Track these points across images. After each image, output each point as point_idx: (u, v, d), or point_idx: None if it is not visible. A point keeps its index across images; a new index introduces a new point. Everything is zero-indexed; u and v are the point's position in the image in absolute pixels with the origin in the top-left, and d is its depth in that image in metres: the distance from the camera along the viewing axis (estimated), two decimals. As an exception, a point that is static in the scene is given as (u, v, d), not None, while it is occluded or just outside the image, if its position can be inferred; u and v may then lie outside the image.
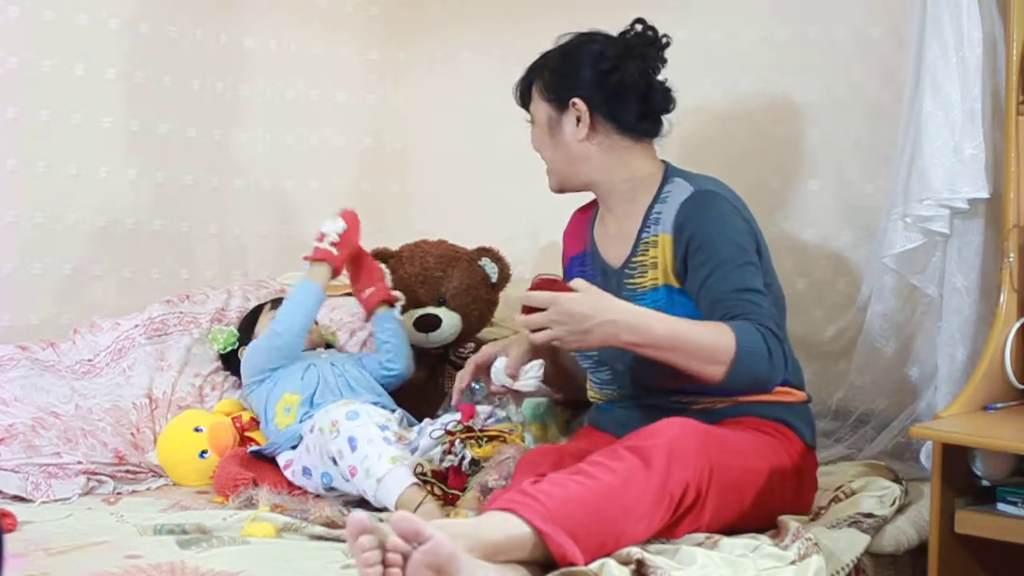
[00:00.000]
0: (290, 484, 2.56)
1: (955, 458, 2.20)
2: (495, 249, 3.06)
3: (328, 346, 3.01)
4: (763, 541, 2.07)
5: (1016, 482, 2.22)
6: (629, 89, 2.35)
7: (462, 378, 2.57)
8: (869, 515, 2.24)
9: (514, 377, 2.45)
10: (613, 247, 2.41)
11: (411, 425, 2.69)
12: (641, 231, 2.35)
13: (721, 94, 3.01)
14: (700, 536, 2.07)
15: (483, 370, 2.54)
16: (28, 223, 3.05)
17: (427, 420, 2.70)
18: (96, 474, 2.63)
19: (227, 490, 2.53)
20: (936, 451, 2.18)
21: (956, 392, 2.35)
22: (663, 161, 2.42)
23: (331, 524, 2.32)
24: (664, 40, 2.39)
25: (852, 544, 2.16)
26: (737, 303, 2.19)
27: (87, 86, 3.11)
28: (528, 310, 2.17)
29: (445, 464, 2.47)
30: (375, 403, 2.68)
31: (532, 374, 2.45)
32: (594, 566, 1.87)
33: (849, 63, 2.83)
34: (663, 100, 2.39)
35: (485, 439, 2.50)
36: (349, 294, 3.22)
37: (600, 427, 2.43)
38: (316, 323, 2.90)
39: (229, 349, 2.96)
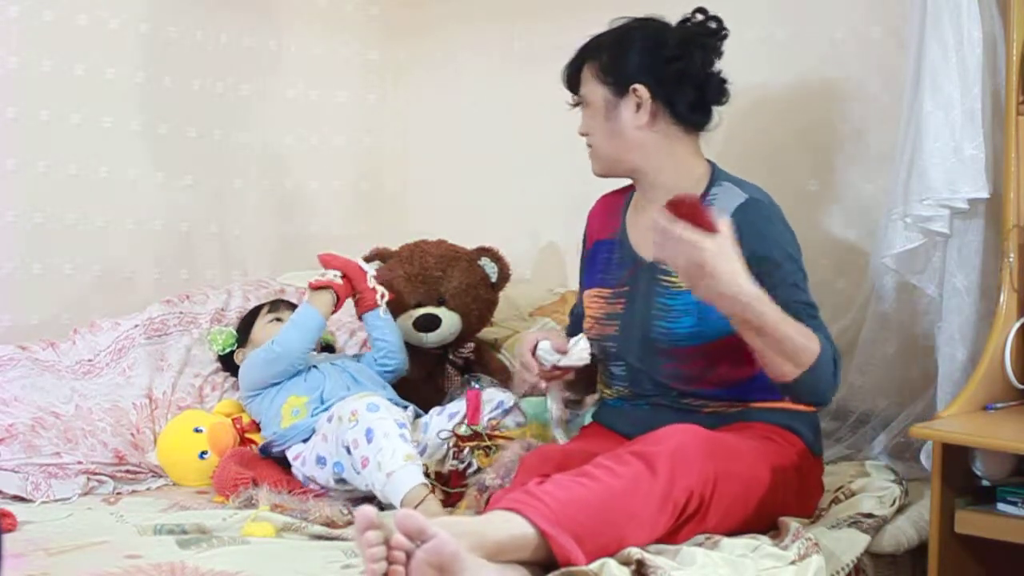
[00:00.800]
0: (290, 483, 2.56)
1: (955, 458, 2.20)
2: (495, 249, 3.06)
3: (327, 346, 3.01)
4: (763, 541, 2.07)
5: (1016, 482, 2.22)
6: (689, 78, 2.33)
7: (528, 367, 2.39)
8: (869, 515, 2.24)
9: (564, 352, 2.36)
10: (649, 241, 2.29)
11: (418, 418, 2.70)
12: None
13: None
14: (700, 536, 2.06)
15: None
16: (28, 223, 3.05)
17: (434, 410, 2.70)
18: (96, 474, 2.63)
19: (227, 490, 2.53)
20: (936, 451, 2.18)
21: (956, 392, 2.35)
22: (708, 160, 2.40)
23: (331, 524, 2.32)
24: (724, 32, 2.37)
25: (852, 544, 2.16)
26: (802, 317, 2.15)
27: (87, 86, 3.11)
28: (680, 213, 2.02)
29: (449, 467, 2.47)
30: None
31: (582, 345, 2.36)
32: (594, 566, 1.87)
33: (849, 63, 2.83)
34: (718, 92, 2.37)
35: (494, 448, 2.50)
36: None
37: (607, 425, 2.42)
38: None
39: (227, 351, 2.96)
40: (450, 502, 2.44)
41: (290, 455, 2.64)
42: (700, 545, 2.02)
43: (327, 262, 2.82)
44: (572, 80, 2.43)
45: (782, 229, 2.27)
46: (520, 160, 3.41)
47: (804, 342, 2.10)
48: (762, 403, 2.26)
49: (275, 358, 2.72)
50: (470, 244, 3.07)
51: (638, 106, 2.33)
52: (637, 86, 2.32)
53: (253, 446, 2.77)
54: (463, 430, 2.58)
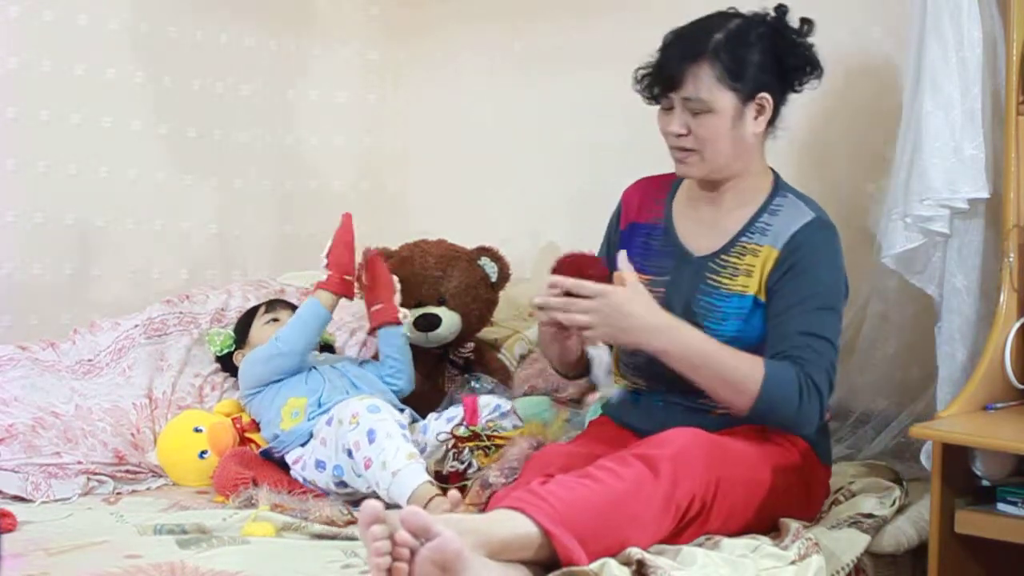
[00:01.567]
0: (290, 483, 2.56)
1: (955, 458, 2.20)
2: (495, 249, 3.06)
3: (326, 346, 3.01)
4: (763, 541, 2.07)
5: (1016, 482, 2.22)
6: (800, 86, 2.30)
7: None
8: (869, 515, 2.25)
9: None
10: (700, 235, 2.33)
11: (415, 422, 2.69)
12: (742, 234, 2.28)
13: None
14: (701, 537, 2.07)
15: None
16: (28, 223, 3.05)
17: (431, 416, 2.70)
18: (96, 474, 2.63)
19: (227, 490, 2.53)
20: (936, 451, 2.18)
21: (956, 392, 2.35)
22: (770, 167, 2.37)
23: (331, 523, 2.32)
24: (809, 29, 2.30)
25: (852, 544, 2.16)
26: (799, 346, 2.16)
27: (87, 86, 3.11)
28: (564, 292, 2.08)
29: (449, 468, 2.48)
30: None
31: None
32: (595, 566, 1.87)
33: (849, 63, 2.83)
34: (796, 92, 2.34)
35: (493, 447, 2.50)
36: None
37: (616, 419, 2.39)
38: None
39: (225, 352, 2.96)
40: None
41: (289, 459, 2.63)
42: (700, 545, 2.02)
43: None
44: (673, 78, 2.24)
45: (837, 257, 2.27)
46: (520, 160, 3.41)
47: (745, 371, 2.13)
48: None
49: (279, 354, 2.72)
50: (470, 244, 3.07)
51: (758, 113, 2.26)
52: (765, 95, 2.25)
53: (253, 446, 2.76)
54: (461, 431, 2.58)
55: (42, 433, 2.64)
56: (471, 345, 3.05)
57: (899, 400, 2.68)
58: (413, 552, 1.75)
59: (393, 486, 2.37)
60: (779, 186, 2.35)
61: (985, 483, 2.24)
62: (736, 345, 2.20)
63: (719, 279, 2.28)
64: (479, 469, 2.46)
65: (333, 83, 3.60)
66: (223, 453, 2.69)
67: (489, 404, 2.65)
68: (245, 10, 3.41)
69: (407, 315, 2.85)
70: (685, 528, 2.04)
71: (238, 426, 2.80)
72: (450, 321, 2.97)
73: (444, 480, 2.49)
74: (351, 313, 3.11)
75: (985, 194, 2.38)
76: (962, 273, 2.43)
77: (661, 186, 2.43)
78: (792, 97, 2.87)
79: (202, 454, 2.72)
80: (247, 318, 2.98)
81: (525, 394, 2.77)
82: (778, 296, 2.22)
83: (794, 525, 2.12)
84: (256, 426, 2.80)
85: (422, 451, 2.56)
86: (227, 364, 2.97)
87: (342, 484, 2.51)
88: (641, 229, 2.40)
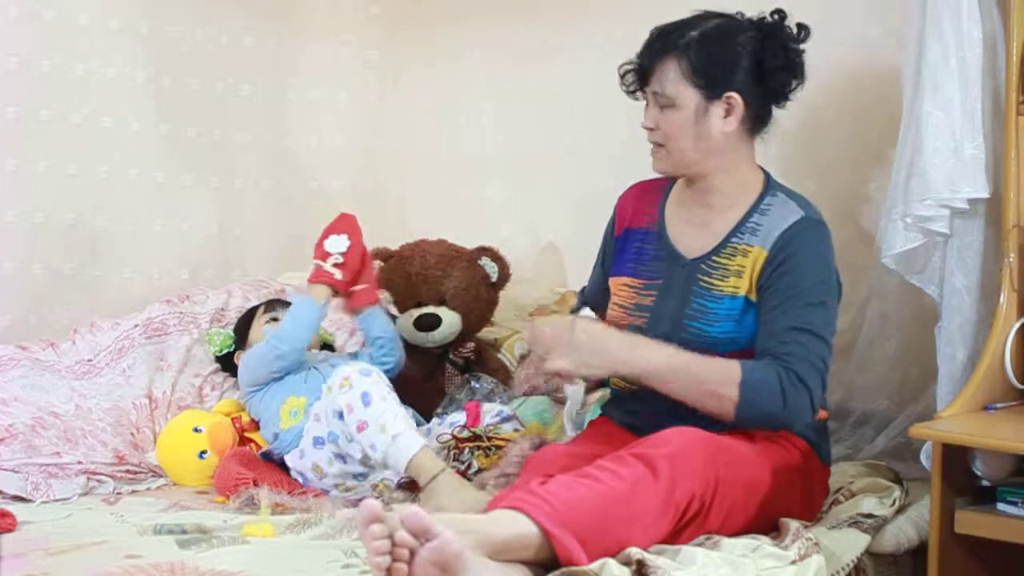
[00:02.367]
0: (291, 484, 2.56)
1: (955, 458, 2.20)
2: (495, 249, 3.06)
3: (325, 346, 3.01)
4: (763, 541, 2.07)
5: (1016, 482, 2.22)
6: (782, 88, 2.29)
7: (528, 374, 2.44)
8: (869, 515, 2.24)
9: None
10: (692, 237, 2.34)
11: (419, 424, 2.69)
12: (732, 234, 2.29)
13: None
14: (701, 537, 2.07)
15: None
16: (28, 223, 3.05)
17: (435, 421, 2.70)
18: (96, 474, 2.63)
19: (228, 490, 2.53)
20: (936, 451, 2.18)
21: (956, 392, 2.35)
22: (760, 167, 2.38)
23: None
24: (806, 35, 2.31)
25: (852, 544, 2.16)
26: (785, 342, 2.17)
27: (87, 86, 3.11)
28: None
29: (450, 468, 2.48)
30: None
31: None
32: (594, 566, 1.87)
33: (849, 62, 2.83)
34: (787, 98, 2.33)
35: (493, 449, 2.50)
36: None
37: (616, 419, 2.41)
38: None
39: (225, 352, 2.96)
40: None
41: (289, 461, 2.63)
42: (700, 545, 2.02)
43: (346, 223, 2.79)
44: (646, 72, 2.30)
45: (826, 254, 2.27)
46: (520, 160, 3.41)
47: (720, 376, 2.14)
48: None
49: (276, 351, 2.72)
50: (470, 244, 3.07)
51: (727, 112, 2.27)
52: (733, 94, 2.26)
53: (253, 446, 2.77)
54: (462, 432, 2.58)
55: (42, 433, 2.64)
56: (471, 345, 3.05)
57: (899, 400, 2.68)
58: (413, 552, 1.75)
59: (392, 449, 2.35)
60: (770, 186, 2.35)
61: (985, 483, 2.24)
62: (730, 347, 2.22)
63: (711, 281, 2.29)
64: (479, 470, 2.46)
65: (333, 83, 3.60)
66: (223, 453, 2.69)
67: (492, 410, 2.66)
68: (245, 10, 3.41)
69: (388, 298, 2.84)
70: (685, 527, 2.04)
71: (238, 426, 2.80)
72: (450, 321, 2.97)
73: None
74: (351, 313, 3.11)
75: (985, 194, 2.38)
76: (962, 273, 2.43)
77: (654, 191, 2.44)
78: (792, 96, 2.87)
79: (202, 454, 2.72)
80: (247, 318, 2.98)
81: (525, 394, 2.77)
82: (767, 294, 2.23)
83: (794, 525, 2.12)
84: (256, 426, 2.80)
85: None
86: (227, 364, 2.97)
87: (341, 458, 2.50)
88: (635, 234, 2.42)
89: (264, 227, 3.47)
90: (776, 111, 2.35)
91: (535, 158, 3.36)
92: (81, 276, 3.13)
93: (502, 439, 2.54)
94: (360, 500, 2.28)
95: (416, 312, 2.96)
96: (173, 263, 3.29)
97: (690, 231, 2.35)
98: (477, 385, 2.87)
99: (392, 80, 3.68)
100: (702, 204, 2.35)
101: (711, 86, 2.25)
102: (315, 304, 2.74)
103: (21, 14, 3.00)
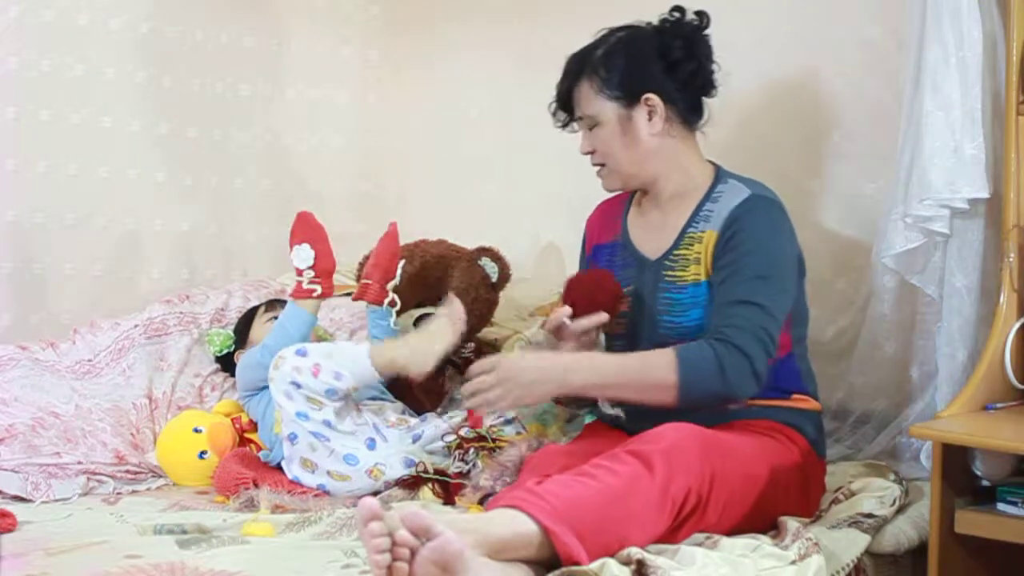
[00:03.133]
0: (291, 484, 2.55)
1: (955, 458, 2.20)
2: (495, 249, 3.06)
3: (326, 346, 3.01)
4: (763, 541, 2.07)
5: (1016, 482, 2.22)
6: (696, 78, 2.35)
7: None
8: (869, 515, 2.25)
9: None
10: (652, 239, 2.39)
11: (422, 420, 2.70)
12: (688, 226, 2.34)
13: (721, 94, 3.00)
14: (700, 536, 2.07)
15: None
16: (28, 223, 3.04)
17: (431, 414, 2.70)
18: (96, 474, 2.63)
19: (228, 490, 2.53)
20: (936, 451, 2.19)
21: (956, 392, 2.35)
22: (710, 161, 2.42)
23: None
24: (707, 21, 2.37)
25: (852, 544, 2.17)
26: (727, 316, 2.20)
27: (87, 86, 3.11)
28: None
29: (454, 469, 2.48)
30: (376, 398, 2.71)
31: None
32: (594, 566, 1.87)
33: (849, 63, 2.83)
34: (712, 85, 2.39)
35: (497, 450, 2.50)
36: (348, 294, 3.22)
37: (606, 421, 2.43)
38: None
39: (225, 352, 2.96)
40: (449, 500, 2.45)
41: (284, 468, 2.63)
42: (700, 545, 2.02)
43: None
44: (567, 102, 2.42)
45: (776, 228, 2.29)
46: (520, 160, 3.41)
47: (655, 368, 2.17)
48: (764, 400, 2.27)
49: (267, 361, 2.70)
50: (470, 244, 3.06)
51: (650, 114, 2.34)
52: (649, 95, 2.33)
53: (253, 446, 2.77)
54: (467, 432, 2.58)
55: (42, 433, 2.64)
56: (471, 345, 3.04)
57: (899, 400, 2.68)
58: (413, 552, 1.75)
59: (353, 363, 2.45)
60: (720, 176, 2.39)
61: (985, 483, 2.24)
62: (700, 334, 2.24)
63: (675, 274, 2.33)
64: (483, 470, 2.46)
65: (333, 83, 3.60)
66: (223, 453, 2.69)
67: (493, 412, 2.66)
68: (245, 10, 3.40)
69: (395, 300, 2.83)
70: (683, 523, 2.04)
71: (238, 426, 2.80)
72: (450, 321, 2.96)
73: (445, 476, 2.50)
74: (351, 313, 3.11)
75: (985, 194, 2.38)
76: (962, 273, 2.43)
77: (617, 206, 2.51)
78: (792, 97, 2.88)
79: (202, 454, 2.72)
80: (247, 318, 2.98)
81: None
82: (716, 274, 2.27)
83: (794, 525, 2.12)
84: (255, 427, 2.80)
85: (418, 437, 2.60)
86: (227, 364, 2.97)
87: (320, 436, 2.50)
88: (604, 249, 2.48)
89: (264, 227, 3.47)
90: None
91: (535, 158, 3.36)
92: (81, 276, 3.13)
93: (505, 441, 2.54)
94: (360, 498, 2.29)
95: (416, 312, 2.96)
96: (173, 263, 3.29)
97: (650, 234, 2.41)
98: (477, 385, 2.86)
99: (392, 80, 3.68)
100: (656, 206, 2.41)
101: (626, 94, 2.34)
102: (305, 313, 2.74)
103: (21, 14, 2.99)
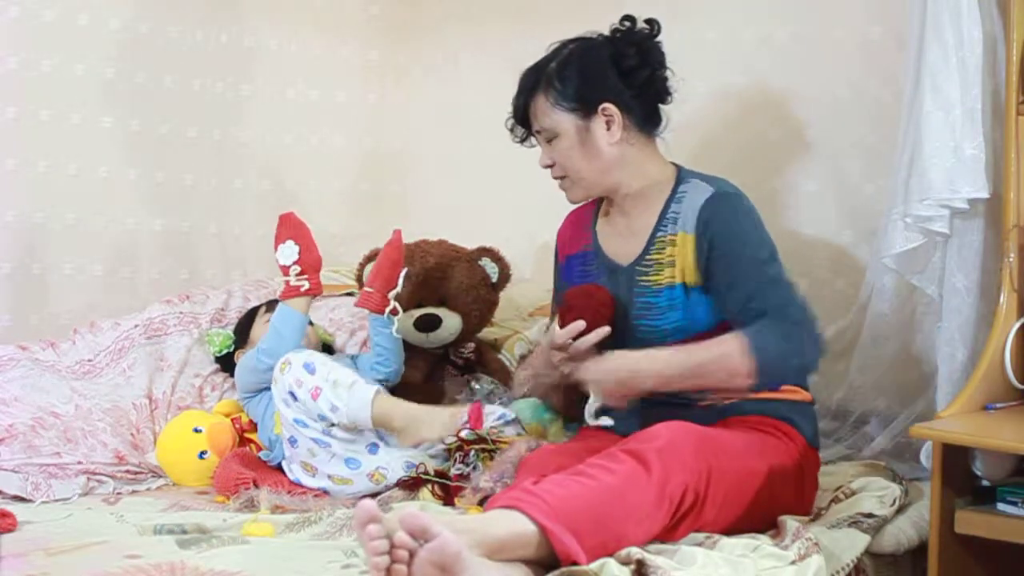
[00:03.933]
0: (291, 484, 2.55)
1: (955, 458, 2.20)
2: (495, 249, 3.06)
3: (325, 347, 3.00)
4: (763, 541, 2.07)
5: (1016, 482, 2.22)
6: (650, 84, 2.37)
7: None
8: (869, 515, 2.25)
9: None
10: (621, 245, 2.41)
11: None
12: (656, 229, 2.36)
13: (721, 94, 3.01)
14: (700, 536, 2.07)
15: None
16: (28, 223, 3.04)
17: None
18: (96, 474, 2.63)
19: (228, 490, 2.53)
20: (936, 451, 2.19)
21: (956, 392, 2.35)
22: (672, 162, 2.44)
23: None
24: (658, 29, 2.40)
25: (852, 544, 2.17)
26: (766, 296, 2.21)
27: (87, 86, 3.11)
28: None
29: (455, 471, 2.48)
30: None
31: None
32: (594, 566, 1.87)
33: (849, 63, 2.83)
34: (667, 91, 2.41)
35: (498, 451, 2.50)
36: (349, 294, 3.22)
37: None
38: (312, 324, 2.89)
39: (225, 352, 2.95)
40: (448, 500, 2.45)
41: (284, 469, 2.63)
42: (700, 545, 2.02)
43: (286, 228, 2.78)
44: (524, 116, 2.43)
45: (750, 216, 2.32)
46: (520, 160, 3.40)
47: (726, 352, 2.16)
48: (755, 393, 2.26)
49: (263, 365, 2.69)
50: (470, 244, 3.06)
51: (608, 124, 2.36)
52: (606, 104, 2.34)
53: (253, 446, 2.77)
54: (467, 434, 2.58)
55: (42, 433, 2.64)
56: (471, 345, 3.05)
57: (899, 400, 2.68)
58: (412, 553, 1.75)
59: (352, 402, 2.43)
60: (682, 177, 2.40)
61: (985, 483, 2.24)
62: (679, 336, 2.27)
63: (648, 279, 2.34)
64: (484, 472, 2.46)
65: (333, 83, 3.60)
66: (223, 453, 2.69)
67: (494, 412, 2.65)
68: (245, 10, 3.40)
69: (396, 308, 2.82)
70: (680, 521, 2.05)
71: (238, 426, 2.80)
72: (450, 322, 2.96)
73: (444, 477, 2.49)
74: (351, 313, 3.11)
75: (985, 194, 2.38)
76: (962, 273, 2.43)
77: (585, 215, 2.53)
78: (792, 97, 2.88)
79: (202, 454, 2.72)
80: (247, 318, 2.98)
81: (525, 395, 2.77)
82: (716, 277, 2.28)
83: (794, 524, 2.12)
84: (255, 427, 2.80)
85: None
86: (227, 364, 2.97)
87: (320, 442, 2.50)
88: (575, 260, 2.50)
89: (264, 227, 3.45)
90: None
91: (535, 158, 3.36)
92: (81, 276, 3.13)
93: (505, 442, 2.54)
94: (360, 498, 2.29)
95: (416, 313, 2.96)
96: (173, 263, 3.29)
97: (619, 241, 2.43)
98: (477, 386, 2.87)
99: (392, 80, 3.68)
100: (622, 213, 2.43)
101: (582, 105, 2.36)
102: (296, 313, 2.73)
103: (21, 14, 2.99)
